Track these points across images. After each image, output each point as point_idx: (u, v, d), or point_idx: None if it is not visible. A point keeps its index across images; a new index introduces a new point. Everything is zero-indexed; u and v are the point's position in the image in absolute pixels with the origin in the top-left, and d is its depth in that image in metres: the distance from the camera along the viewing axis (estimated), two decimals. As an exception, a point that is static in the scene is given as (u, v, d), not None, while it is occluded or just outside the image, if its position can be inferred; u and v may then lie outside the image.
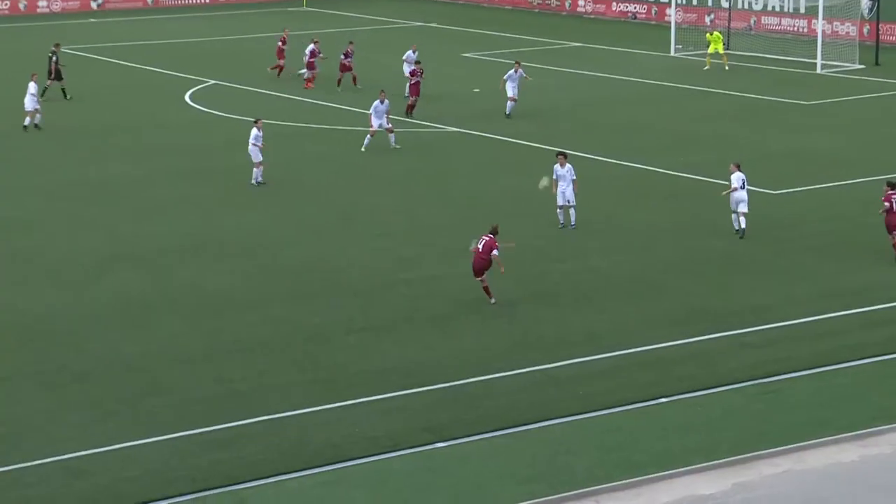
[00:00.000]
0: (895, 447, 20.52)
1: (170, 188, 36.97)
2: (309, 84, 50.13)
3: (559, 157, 33.16)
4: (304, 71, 51.86)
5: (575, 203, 32.59)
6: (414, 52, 49.26)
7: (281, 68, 53.25)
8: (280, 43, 53.75)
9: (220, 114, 47.28)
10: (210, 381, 23.36)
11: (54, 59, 49.18)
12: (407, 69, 48.78)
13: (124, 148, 42.03)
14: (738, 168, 32.19)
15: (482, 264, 27.10)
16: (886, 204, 29.82)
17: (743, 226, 31.75)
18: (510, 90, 45.52)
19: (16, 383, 23.44)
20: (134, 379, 23.51)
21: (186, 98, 50.01)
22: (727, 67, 54.16)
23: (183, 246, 31.39)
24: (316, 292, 28.07)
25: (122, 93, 50.58)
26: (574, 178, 32.63)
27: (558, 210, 32.78)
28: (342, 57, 50.78)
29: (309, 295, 27.93)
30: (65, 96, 49.24)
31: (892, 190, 29.88)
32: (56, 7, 76.30)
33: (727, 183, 32.57)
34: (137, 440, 20.96)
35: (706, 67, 55.00)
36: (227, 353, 24.74)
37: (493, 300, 27.01)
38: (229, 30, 69.35)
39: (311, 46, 51.86)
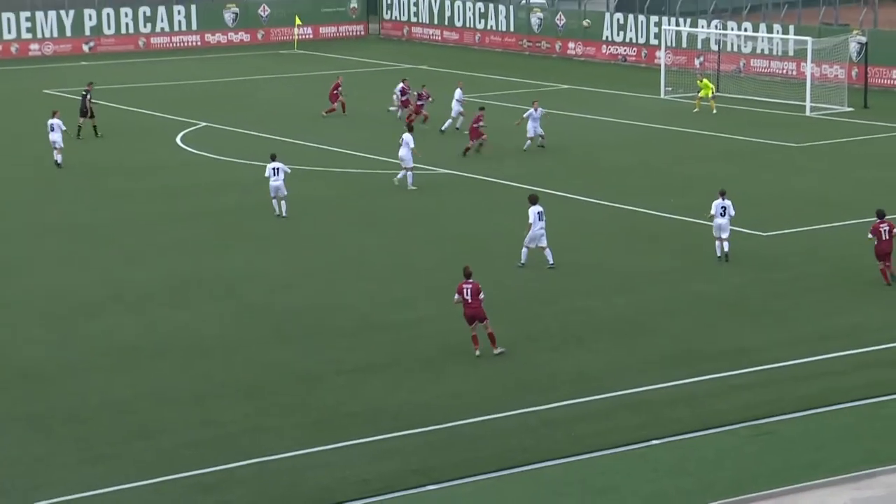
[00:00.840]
0: (888, 489, 20.47)
1: (161, 230, 36.95)
2: (411, 119, 50.23)
3: (531, 198, 32.96)
4: (394, 108, 52.44)
5: (546, 244, 32.39)
6: (461, 90, 51.20)
7: (332, 110, 53.91)
8: (333, 89, 54.34)
9: (211, 156, 47.34)
10: (199, 424, 23.27)
11: (88, 97, 49.96)
12: (457, 108, 50.38)
13: (116, 190, 42.03)
14: (722, 196, 33.10)
15: (476, 312, 26.58)
16: (871, 235, 30.99)
17: (726, 250, 32.71)
18: (531, 130, 46.59)
19: (4, 425, 23.34)
20: (123, 422, 23.41)
21: (178, 140, 50.09)
22: (714, 111, 54.39)
23: (173, 288, 31.35)
24: (306, 334, 28.02)
25: (113, 135, 50.63)
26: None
27: (523, 249, 32.61)
28: (416, 97, 51.64)
29: (299, 337, 27.88)
30: (96, 134, 49.91)
31: (880, 220, 30.93)
32: (48, 50, 76.52)
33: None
34: (127, 483, 20.86)
35: (695, 110, 55.28)
36: (216, 395, 24.65)
37: (478, 352, 26.45)
38: (220, 72, 69.54)
39: (401, 85, 52.69)
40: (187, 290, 31.23)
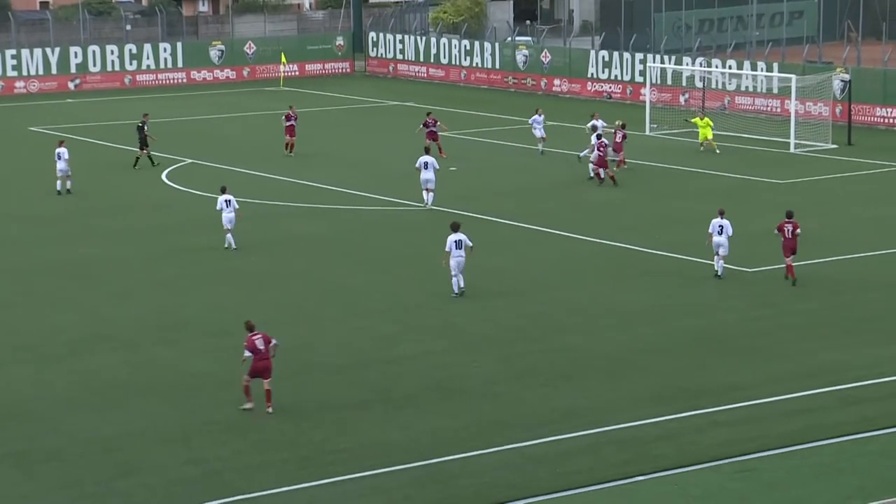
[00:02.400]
0: (872, 525, 20.54)
1: (147, 268, 36.97)
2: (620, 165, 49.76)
3: (452, 226, 33.50)
4: (586, 153, 49.90)
5: (461, 272, 32.97)
6: (540, 116, 53.31)
7: (291, 145, 53.73)
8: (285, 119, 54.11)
9: (197, 192, 47.40)
10: (187, 462, 23.25)
11: (145, 128, 51.05)
12: (539, 132, 52.46)
13: (102, 228, 42.05)
14: (721, 215, 34.84)
15: (267, 364, 25.47)
16: (776, 232, 34.60)
17: (719, 272, 34.48)
18: (538, 132, 52.37)
19: (-9, 464, 23.30)
20: (110, 460, 23.38)
21: (163, 177, 50.16)
22: (717, 151, 54.33)
23: (160, 326, 31.35)
24: (292, 371, 28.02)
25: (99, 172, 50.69)
26: (470, 244, 33.04)
27: (452, 279, 33.04)
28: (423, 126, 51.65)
29: (285, 373, 27.86)
30: (152, 163, 50.99)
31: (787, 219, 34.47)
32: (33, 88, 76.65)
33: (705, 261, 32.89)
34: (113, 521, 20.82)
35: (701, 148, 55.06)
36: (203, 433, 24.64)
37: (270, 409, 25.40)
38: (206, 109, 69.72)
39: (599, 122, 50.90)
40: (174, 327, 31.24)
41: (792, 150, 55.41)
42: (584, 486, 22.06)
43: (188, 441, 24.20)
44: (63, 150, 46.75)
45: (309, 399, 26.34)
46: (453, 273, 33.15)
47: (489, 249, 38.78)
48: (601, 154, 47.32)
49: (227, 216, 38.31)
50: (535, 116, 54.10)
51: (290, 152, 53.15)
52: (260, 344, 25.57)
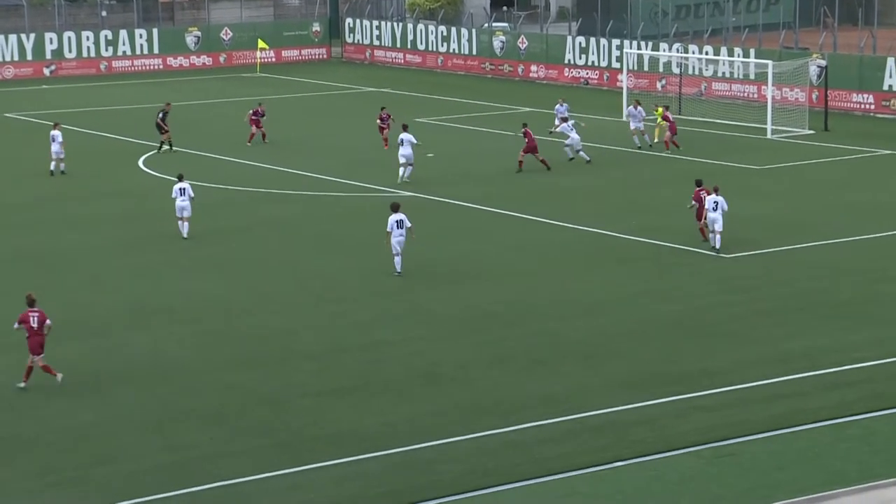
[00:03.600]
0: (850, 510, 20.60)
1: (122, 255, 36.80)
2: (669, 144, 51.27)
3: (392, 206, 34.32)
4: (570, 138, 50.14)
5: (400, 251, 33.74)
6: (637, 108, 52.86)
7: (253, 135, 53.27)
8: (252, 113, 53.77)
9: (173, 179, 47.14)
10: (163, 449, 23.16)
11: (161, 116, 51.63)
12: (567, 128, 50.77)
13: (76, 215, 41.83)
14: (715, 191, 36.02)
15: (41, 342, 25.95)
16: (695, 202, 36.80)
17: (717, 245, 35.64)
18: (634, 124, 52.37)
19: (-35, 452, 23.16)
20: (86, 447, 23.28)
21: (140, 164, 49.93)
22: (655, 141, 54.03)
23: (134, 312, 31.21)
24: (269, 357, 27.96)
25: (75, 159, 50.39)
26: (409, 225, 33.82)
27: (395, 258, 33.79)
28: (379, 121, 51.48)
29: (262, 360, 27.81)
30: (170, 147, 51.65)
31: (699, 187, 36.94)
32: (8, 74, 76.17)
33: (680, 247, 32.90)
34: (90, 509, 20.74)
35: (655, 140, 55.12)
36: (179, 420, 24.55)
37: (59, 376, 25.96)
38: (183, 96, 69.41)
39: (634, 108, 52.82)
40: (148, 315, 31.10)
41: (769, 135, 55.50)
42: (563, 471, 22.06)
43: (164, 429, 24.10)
44: (57, 133, 47.60)
45: (287, 386, 26.26)
46: (395, 252, 33.82)
47: (465, 235, 38.76)
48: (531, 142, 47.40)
49: (181, 204, 38.05)
50: (632, 108, 53.26)
51: (264, 140, 52.73)
52: (33, 321, 25.99)
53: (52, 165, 47.87)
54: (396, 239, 33.73)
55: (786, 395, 25.68)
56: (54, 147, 47.74)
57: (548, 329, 29.89)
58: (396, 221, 33.82)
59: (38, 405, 25.32)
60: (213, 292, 32.93)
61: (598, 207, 42.26)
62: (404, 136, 45.40)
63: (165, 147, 51.95)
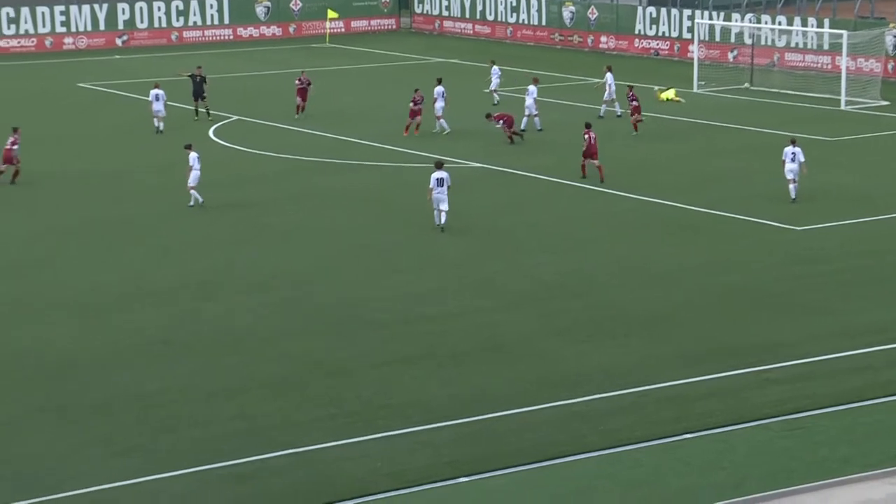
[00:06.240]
0: (922, 484, 20.32)
1: (190, 224, 37.05)
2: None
3: (436, 164, 35.86)
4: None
5: (447, 208, 35.03)
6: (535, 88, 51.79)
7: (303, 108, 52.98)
8: (297, 82, 53.35)
9: (242, 149, 47.46)
10: (231, 417, 23.31)
11: (197, 79, 52.46)
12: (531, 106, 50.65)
13: (146, 185, 42.16)
14: (793, 143, 37.91)
15: None
16: (586, 137, 40.58)
17: (794, 195, 37.54)
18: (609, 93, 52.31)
19: (38, 418, 23.45)
20: (154, 414, 23.48)
21: (210, 133, 50.23)
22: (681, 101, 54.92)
23: (202, 282, 31.42)
24: (335, 327, 28.03)
25: (145, 129, 50.82)
26: (449, 184, 34.99)
27: (435, 213, 35.18)
28: (412, 104, 49.32)
29: (330, 330, 27.90)
30: (208, 115, 52.41)
31: (587, 129, 40.78)
32: (81, 44, 76.90)
33: (750, 218, 32.56)
34: (160, 474, 20.92)
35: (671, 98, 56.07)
36: (247, 388, 24.69)
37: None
38: (252, 66, 69.73)
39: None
40: (216, 283, 31.30)
41: (842, 106, 54.74)
42: (630, 443, 21.94)
43: (233, 397, 24.25)
44: (161, 92, 49.53)
45: (354, 356, 26.33)
46: (435, 207, 35.14)
47: (530, 205, 38.61)
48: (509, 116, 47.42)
49: (195, 174, 38.22)
50: (609, 74, 52.82)
51: (298, 113, 52.26)
52: None
53: (156, 123, 49.63)
54: (437, 196, 34.91)
55: (857, 368, 25.36)
56: (157, 105, 49.46)
57: (613, 300, 29.71)
58: (437, 179, 34.90)
59: (106, 373, 25.58)
60: (280, 262, 33.07)
61: (665, 178, 41.91)
62: (438, 88, 48.40)
63: (202, 111, 52.43)
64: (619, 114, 52.49)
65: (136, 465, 21.25)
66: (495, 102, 54.71)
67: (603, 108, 52.49)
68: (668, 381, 24.65)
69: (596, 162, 40.64)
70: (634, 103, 49.02)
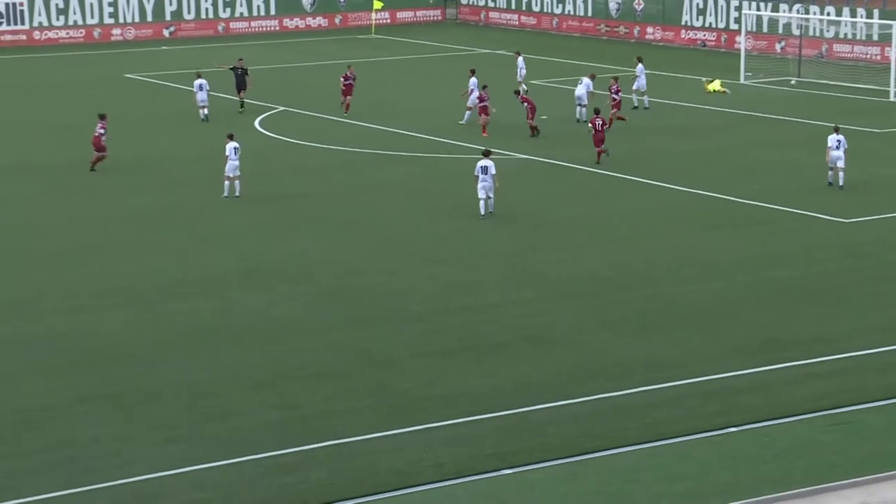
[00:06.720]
0: (969, 480, 20.15)
1: (236, 214, 37.26)
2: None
3: (484, 152, 36.37)
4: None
5: (492, 196, 35.62)
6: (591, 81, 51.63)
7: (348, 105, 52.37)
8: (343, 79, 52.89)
9: (288, 140, 47.65)
10: (276, 407, 23.46)
11: (239, 71, 52.72)
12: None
13: (190, 175, 42.41)
14: (836, 131, 38.42)
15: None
16: (591, 126, 41.90)
17: (840, 182, 37.89)
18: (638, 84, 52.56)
19: (87, 405, 23.70)
20: (202, 403, 23.67)
21: (256, 124, 50.46)
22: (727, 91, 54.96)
23: (248, 271, 31.61)
24: (378, 318, 28.12)
25: (191, 120, 51.12)
26: (494, 173, 35.41)
27: (480, 202, 35.51)
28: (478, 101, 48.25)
29: (372, 320, 27.99)
30: (241, 106, 52.46)
31: (596, 115, 42.01)
32: (129, 35, 77.42)
33: (799, 211, 32.35)
34: (206, 464, 21.09)
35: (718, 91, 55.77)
36: (291, 378, 24.84)
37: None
38: (298, 57, 69.95)
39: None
40: (262, 273, 31.47)
41: (892, 98, 54.28)
42: (674, 436, 21.90)
43: (277, 386, 24.40)
44: (203, 81, 50.46)
45: (396, 346, 26.41)
46: (480, 196, 35.46)
47: (577, 197, 38.56)
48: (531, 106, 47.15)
49: (233, 164, 38.30)
50: (640, 66, 53.09)
51: (346, 112, 51.40)
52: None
53: (201, 112, 50.35)
54: (481, 184, 35.33)
55: (904, 363, 25.19)
56: (201, 95, 50.24)
57: (660, 293, 29.64)
58: (482, 167, 35.43)
59: (154, 361, 25.80)
60: (325, 253, 33.21)
61: (712, 170, 41.74)
62: (473, 80, 48.77)
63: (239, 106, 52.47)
64: (647, 105, 52.26)
65: (183, 454, 21.43)
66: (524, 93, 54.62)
67: (635, 98, 52.36)
68: (713, 374, 24.57)
69: (600, 147, 41.78)
70: (616, 97, 47.93)
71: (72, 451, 21.66)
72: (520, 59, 56.77)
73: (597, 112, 42.36)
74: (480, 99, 48.00)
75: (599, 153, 41.96)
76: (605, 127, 42.26)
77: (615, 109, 47.85)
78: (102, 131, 42.50)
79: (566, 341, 26.55)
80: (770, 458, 21.04)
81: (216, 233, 35.27)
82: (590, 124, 42.45)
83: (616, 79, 49.63)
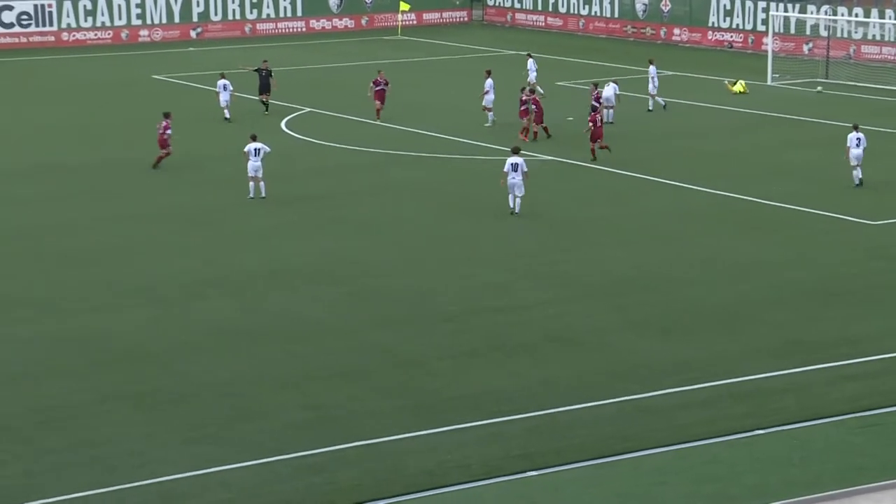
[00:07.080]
0: None
1: (262, 214, 37.28)
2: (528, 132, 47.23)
3: (513, 149, 36.54)
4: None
5: (522, 194, 35.72)
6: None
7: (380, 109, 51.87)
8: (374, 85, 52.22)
9: (314, 141, 47.67)
10: (302, 407, 23.42)
11: (264, 74, 52.98)
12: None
13: (219, 176, 42.46)
14: (856, 129, 38.40)
15: None
16: (591, 123, 42.01)
17: (860, 176, 37.95)
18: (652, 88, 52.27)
19: (112, 404, 23.71)
20: (227, 403, 23.65)
21: (282, 125, 50.50)
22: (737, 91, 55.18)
23: (274, 272, 31.60)
24: (405, 318, 28.07)
25: (218, 121, 51.20)
26: (525, 170, 35.56)
27: (509, 196, 35.91)
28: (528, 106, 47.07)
29: (398, 321, 27.95)
30: (266, 108, 52.69)
31: (595, 112, 43.06)
32: (157, 36, 77.63)
33: (826, 213, 32.18)
34: (232, 464, 21.07)
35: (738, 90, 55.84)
36: (318, 378, 24.80)
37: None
38: (324, 58, 70.01)
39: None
40: (288, 273, 31.46)
41: (920, 99, 53.99)
42: (703, 438, 21.78)
43: (304, 387, 24.37)
44: (227, 82, 51.02)
45: (423, 347, 26.36)
46: (509, 192, 35.85)
47: (602, 199, 38.44)
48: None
49: (254, 164, 38.28)
50: (652, 68, 53.05)
51: (378, 118, 50.68)
52: None
53: (226, 113, 50.79)
54: (511, 181, 35.55)
55: (934, 365, 24.99)
56: (224, 96, 50.73)
57: (687, 295, 29.50)
58: (512, 164, 35.61)
59: (180, 361, 25.81)
60: (350, 253, 33.18)
61: (738, 171, 41.55)
62: (489, 81, 48.80)
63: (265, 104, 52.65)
64: (663, 104, 52.07)
65: (209, 454, 21.41)
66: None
67: (651, 101, 52.13)
68: (742, 376, 24.43)
69: (598, 143, 42.04)
70: (534, 107, 45.87)
71: (95, 451, 21.67)
72: (530, 61, 56.58)
73: (595, 109, 43.00)
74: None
75: (594, 150, 42.11)
76: (602, 124, 42.79)
77: (531, 120, 46.00)
78: (167, 132, 42.71)
79: (592, 342, 26.45)
80: (799, 461, 20.89)
81: (241, 233, 35.29)
82: (590, 122, 42.45)
83: (531, 90, 47.56)
